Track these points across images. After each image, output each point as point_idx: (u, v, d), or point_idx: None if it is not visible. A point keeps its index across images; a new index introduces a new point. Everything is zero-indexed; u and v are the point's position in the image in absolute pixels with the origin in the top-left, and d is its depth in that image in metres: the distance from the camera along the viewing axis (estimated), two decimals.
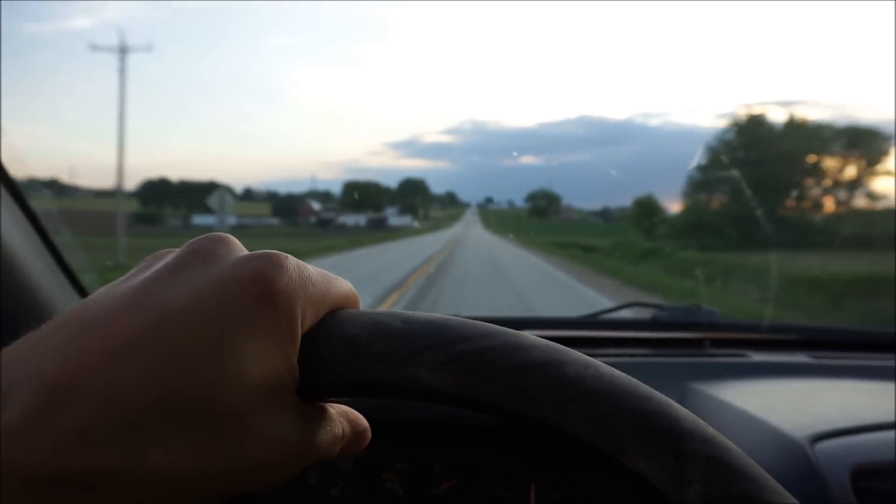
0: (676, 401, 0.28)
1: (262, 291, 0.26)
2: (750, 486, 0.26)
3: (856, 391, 0.87)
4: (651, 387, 0.29)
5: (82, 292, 0.91)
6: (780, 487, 0.27)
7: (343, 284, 0.31)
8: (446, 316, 0.30)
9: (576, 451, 0.28)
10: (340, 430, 0.31)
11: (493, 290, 6.52)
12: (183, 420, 0.23)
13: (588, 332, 1.13)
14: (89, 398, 0.22)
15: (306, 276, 0.28)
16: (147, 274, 0.27)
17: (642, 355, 1.02)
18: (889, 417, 0.70)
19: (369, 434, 0.33)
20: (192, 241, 0.29)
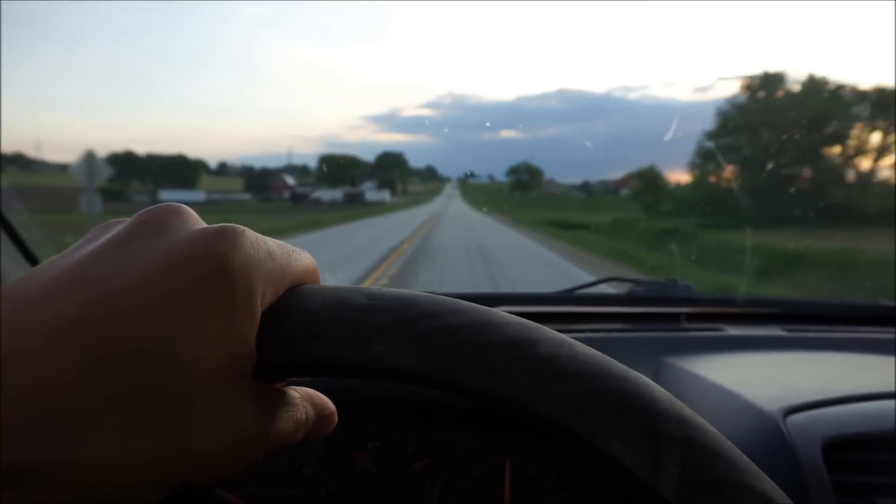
0: (651, 376, 0.27)
1: (217, 267, 0.24)
2: (727, 468, 0.25)
3: (828, 364, 0.88)
4: (626, 362, 0.27)
5: None
6: (756, 469, 0.26)
7: (304, 258, 0.29)
8: (414, 292, 0.28)
9: (548, 432, 0.26)
10: (303, 415, 0.29)
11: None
12: (126, 408, 0.22)
13: (563, 307, 1.12)
14: (21, 385, 0.20)
15: (265, 250, 0.26)
16: (91, 247, 0.25)
17: (618, 330, 1.02)
18: (859, 390, 0.71)
19: (335, 418, 0.32)
20: (142, 211, 0.27)
